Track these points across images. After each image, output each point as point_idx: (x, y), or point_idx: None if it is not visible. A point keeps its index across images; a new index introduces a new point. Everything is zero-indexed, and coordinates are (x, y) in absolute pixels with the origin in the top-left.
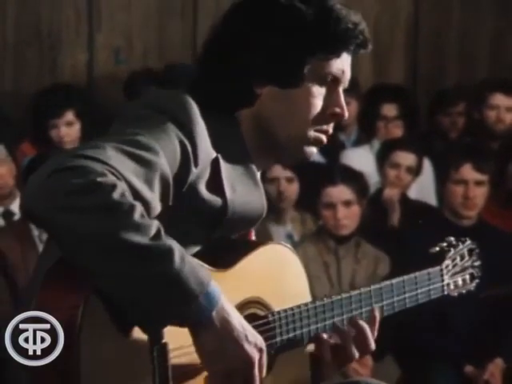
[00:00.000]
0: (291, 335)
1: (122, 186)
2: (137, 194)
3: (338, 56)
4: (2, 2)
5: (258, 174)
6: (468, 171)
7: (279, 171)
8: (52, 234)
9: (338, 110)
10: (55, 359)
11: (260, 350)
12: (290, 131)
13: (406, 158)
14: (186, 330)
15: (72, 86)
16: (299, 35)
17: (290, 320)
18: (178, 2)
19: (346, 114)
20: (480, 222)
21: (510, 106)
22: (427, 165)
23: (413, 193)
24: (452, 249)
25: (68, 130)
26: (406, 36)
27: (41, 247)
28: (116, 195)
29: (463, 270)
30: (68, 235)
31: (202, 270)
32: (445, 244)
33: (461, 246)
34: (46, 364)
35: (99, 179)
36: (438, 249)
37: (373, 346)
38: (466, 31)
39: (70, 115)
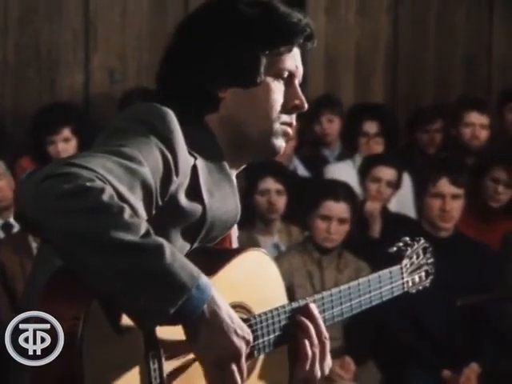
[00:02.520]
0: (272, 336)
1: (109, 190)
2: (123, 200)
3: (290, 50)
4: (3, 25)
5: (234, 178)
6: (445, 185)
7: (270, 184)
8: (44, 236)
9: (297, 102)
10: (58, 364)
11: (247, 342)
12: (258, 127)
13: (387, 173)
14: (179, 335)
15: (69, 105)
16: (249, 35)
17: (270, 322)
18: (169, 24)
19: (306, 105)
20: (456, 234)
21: (484, 124)
22: (406, 179)
23: (393, 206)
24: (409, 248)
25: (65, 145)
26: (386, 58)
27: None
28: (105, 197)
29: (419, 267)
30: (60, 237)
31: (192, 265)
32: (401, 244)
33: (416, 245)
34: (49, 370)
35: (88, 184)
36: (395, 249)
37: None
38: (442, 54)
39: (67, 132)
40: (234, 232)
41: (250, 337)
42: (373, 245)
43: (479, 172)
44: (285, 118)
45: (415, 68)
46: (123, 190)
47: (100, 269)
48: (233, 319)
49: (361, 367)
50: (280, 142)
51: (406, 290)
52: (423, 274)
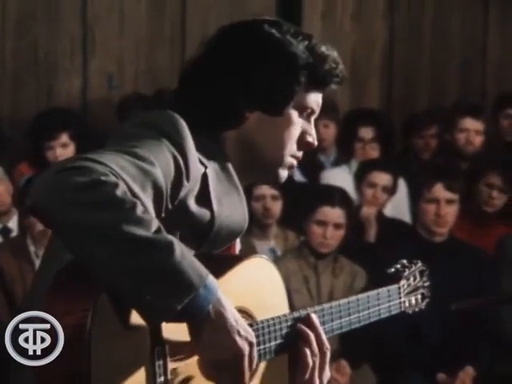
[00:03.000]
0: (273, 344)
1: (123, 185)
2: (135, 196)
3: (321, 92)
4: (0, 30)
5: (241, 188)
6: (440, 190)
7: (265, 189)
8: (56, 228)
9: (310, 139)
10: (65, 359)
11: (250, 344)
12: (270, 155)
13: (382, 178)
14: (185, 336)
15: (67, 110)
16: (292, 68)
17: (272, 329)
18: (167, 30)
19: (316, 144)
20: (451, 239)
21: (479, 130)
22: (402, 184)
23: (388, 211)
24: (406, 269)
25: (63, 151)
26: (382, 63)
27: (37, 262)
28: (119, 192)
29: (416, 289)
30: (71, 229)
31: (200, 264)
32: (399, 265)
33: (413, 268)
34: (56, 366)
35: (103, 178)
36: (393, 270)
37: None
38: (437, 59)
39: (65, 137)
40: (237, 242)
41: (253, 339)
42: (368, 249)
43: (474, 177)
44: (295, 151)
45: (411, 73)
46: (135, 187)
47: (109, 262)
48: (237, 321)
49: (356, 371)
50: (284, 174)
51: (402, 309)
52: (419, 296)
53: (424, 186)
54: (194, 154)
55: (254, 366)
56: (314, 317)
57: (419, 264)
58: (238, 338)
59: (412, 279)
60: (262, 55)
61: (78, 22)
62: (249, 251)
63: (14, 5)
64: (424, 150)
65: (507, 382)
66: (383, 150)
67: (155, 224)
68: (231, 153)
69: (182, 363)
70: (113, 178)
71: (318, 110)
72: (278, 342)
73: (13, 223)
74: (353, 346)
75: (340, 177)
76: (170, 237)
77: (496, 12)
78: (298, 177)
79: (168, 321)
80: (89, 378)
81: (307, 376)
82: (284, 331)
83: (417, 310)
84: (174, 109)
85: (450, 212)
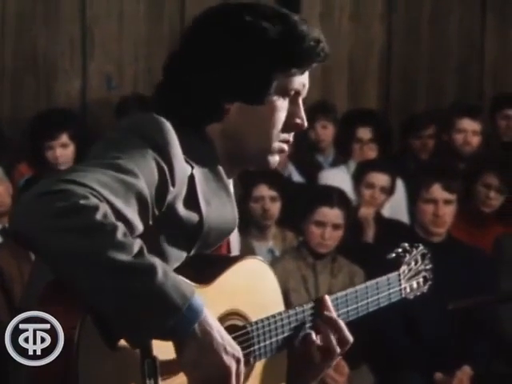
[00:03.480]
0: (268, 343)
1: (104, 208)
2: (119, 214)
3: (302, 72)
4: (0, 32)
5: (231, 186)
6: (437, 191)
7: (264, 191)
8: (40, 254)
9: (299, 121)
10: (55, 372)
11: (237, 361)
12: (257, 144)
13: (381, 179)
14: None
15: (67, 111)
16: (266, 54)
17: (267, 329)
18: (166, 31)
19: (306, 124)
20: (449, 239)
21: (476, 130)
22: (400, 185)
23: (386, 211)
24: (407, 254)
25: (63, 151)
26: (380, 64)
27: None
28: (99, 216)
29: (417, 273)
30: (52, 255)
31: (186, 284)
32: (400, 250)
33: (415, 252)
34: (46, 377)
35: (82, 202)
36: (394, 255)
37: (350, 337)
38: (435, 60)
39: (64, 138)
40: (234, 238)
41: (240, 354)
42: (366, 250)
43: (471, 177)
44: (284, 134)
45: (408, 74)
46: (119, 204)
47: (91, 288)
48: (223, 338)
49: (354, 370)
50: (275, 159)
51: (403, 296)
52: (421, 280)
53: (422, 187)
54: (179, 158)
55: (241, 380)
56: (328, 298)
57: (420, 247)
58: (224, 356)
59: (413, 263)
60: (232, 44)
61: (78, 23)
62: (247, 252)
63: (13, 6)
64: (422, 150)
65: (505, 382)
66: (381, 151)
67: (137, 246)
68: (218, 146)
69: (170, 380)
70: (93, 201)
71: (304, 91)
72: (274, 340)
73: None
74: (351, 345)
75: (338, 177)
76: (153, 258)
77: (493, 13)
78: (297, 177)
79: (154, 339)
80: None
81: (332, 362)
82: (279, 330)
83: (418, 293)
84: (159, 110)
85: (448, 212)
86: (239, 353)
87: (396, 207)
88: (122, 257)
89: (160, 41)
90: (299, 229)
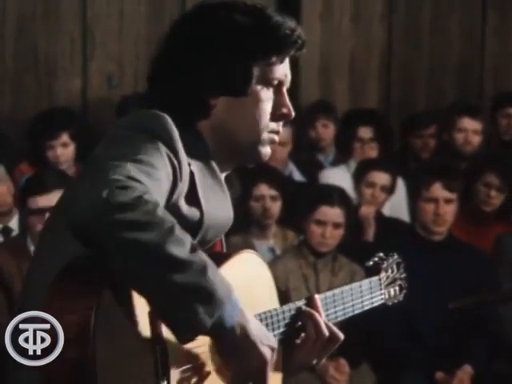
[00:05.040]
0: None
1: (161, 204)
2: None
3: (281, 61)
4: (1, 31)
5: (224, 183)
6: (438, 190)
7: (265, 190)
8: (100, 247)
9: (285, 110)
10: (70, 359)
11: (272, 349)
12: (246, 136)
13: (381, 178)
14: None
15: (67, 110)
16: (243, 45)
17: (264, 323)
18: (166, 30)
19: (293, 114)
20: (450, 238)
21: (477, 129)
22: (400, 184)
23: (387, 210)
24: (384, 262)
25: (63, 150)
26: (380, 64)
27: None
28: (160, 212)
29: (394, 281)
30: (118, 247)
31: (226, 280)
32: (376, 258)
33: (390, 260)
34: (62, 364)
35: (145, 197)
36: (371, 263)
37: (339, 334)
38: (435, 59)
39: (65, 137)
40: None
41: (275, 344)
42: (367, 248)
43: (472, 177)
44: (272, 125)
45: (409, 74)
46: (159, 200)
47: (149, 279)
48: (259, 330)
49: (355, 369)
50: (266, 150)
51: (383, 301)
52: (397, 288)
53: (422, 186)
54: (184, 155)
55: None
56: (318, 297)
57: (395, 256)
58: (261, 347)
59: (390, 271)
60: (209, 40)
61: (78, 22)
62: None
63: (13, 6)
64: (422, 149)
65: (505, 381)
66: (382, 150)
67: (191, 243)
68: (210, 142)
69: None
70: (153, 198)
71: (287, 80)
72: (272, 334)
73: (14, 223)
74: (351, 344)
75: (339, 176)
76: (204, 255)
77: (494, 12)
78: (297, 176)
79: (197, 335)
80: (94, 377)
81: (307, 350)
82: (276, 325)
83: (396, 301)
84: (152, 105)
85: (449, 211)
86: (274, 342)
87: (397, 206)
88: (180, 251)
89: (160, 40)
90: (300, 228)
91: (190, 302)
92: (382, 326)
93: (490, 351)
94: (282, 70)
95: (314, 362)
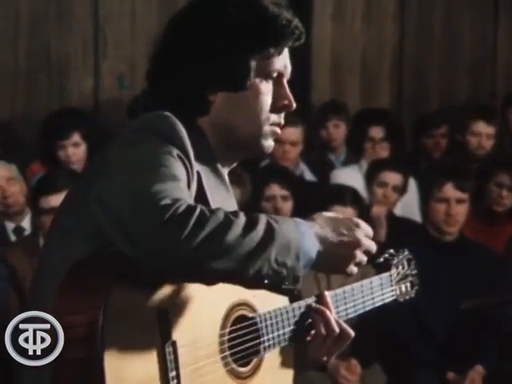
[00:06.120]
0: (275, 334)
1: (205, 211)
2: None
3: (280, 52)
4: (14, 31)
5: (226, 177)
6: (450, 190)
7: (276, 190)
8: (196, 276)
9: (286, 102)
10: (79, 359)
11: (356, 225)
12: (248, 130)
13: (393, 178)
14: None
15: (79, 110)
16: (239, 39)
17: (274, 321)
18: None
19: (294, 105)
20: (461, 238)
21: (491, 134)
22: (412, 184)
23: (398, 210)
24: (395, 258)
25: (75, 150)
26: (392, 63)
27: None
28: (221, 215)
29: (405, 277)
30: (213, 263)
31: (288, 219)
32: (387, 255)
33: (401, 256)
34: (70, 362)
35: (197, 212)
36: (382, 259)
37: (349, 331)
38: (447, 59)
39: (76, 137)
40: None
41: (358, 223)
42: (378, 249)
43: (483, 177)
44: (274, 118)
45: (420, 73)
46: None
47: (254, 266)
48: (335, 225)
49: (367, 369)
50: (269, 143)
51: (395, 297)
52: (409, 284)
53: (434, 186)
54: (192, 156)
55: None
56: (328, 294)
57: (406, 252)
58: (345, 239)
59: (400, 267)
60: (205, 36)
61: (90, 22)
62: None
63: (26, 6)
64: (434, 149)
65: None
66: (393, 150)
67: (244, 214)
68: (212, 138)
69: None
70: (206, 210)
71: (287, 71)
72: (282, 332)
73: (26, 222)
74: (363, 344)
75: (350, 176)
76: (264, 217)
77: (506, 12)
78: (309, 176)
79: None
80: (103, 377)
81: (317, 346)
82: (286, 322)
83: (407, 298)
84: (154, 103)
85: (460, 211)
86: (357, 223)
87: (408, 206)
88: (257, 231)
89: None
90: None
91: (284, 259)
92: (393, 326)
93: (501, 351)
94: (281, 62)
95: (325, 358)
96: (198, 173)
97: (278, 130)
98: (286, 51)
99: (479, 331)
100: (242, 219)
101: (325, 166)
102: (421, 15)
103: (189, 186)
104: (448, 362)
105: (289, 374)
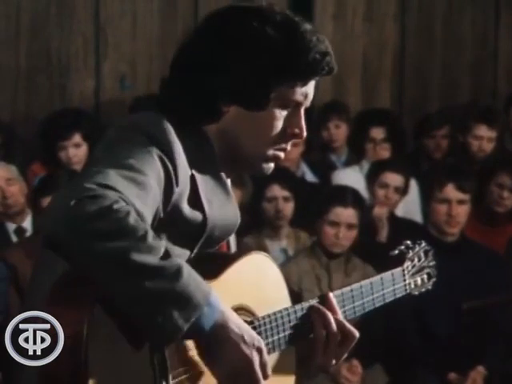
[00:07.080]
0: (276, 338)
1: (133, 212)
2: (141, 217)
3: (304, 85)
4: (15, 32)
5: (229, 184)
6: (451, 191)
7: (277, 191)
8: (72, 258)
9: (297, 130)
10: (64, 369)
11: (258, 349)
12: (252, 150)
13: (394, 179)
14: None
15: (80, 111)
16: (268, 62)
17: (274, 324)
18: (179, 30)
19: (305, 135)
20: (463, 238)
21: (492, 137)
22: (413, 185)
23: (400, 211)
24: (410, 251)
25: (76, 151)
26: (393, 64)
27: None
28: (132, 220)
29: (421, 269)
30: (89, 257)
31: (204, 282)
32: (403, 247)
33: (417, 248)
34: (56, 376)
35: (115, 206)
36: (397, 252)
37: (354, 331)
38: (448, 60)
39: (77, 137)
40: (231, 237)
41: (260, 343)
42: (380, 249)
43: (484, 177)
44: (280, 144)
45: (422, 74)
46: (138, 205)
47: (122, 288)
48: (241, 329)
49: (368, 370)
50: (269, 166)
51: (408, 291)
52: (425, 276)
53: (435, 187)
54: (181, 158)
55: (269, 369)
56: (332, 296)
57: (423, 244)
58: (243, 346)
59: (416, 260)
60: (236, 49)
61: (91, 23)
62: (260, 251)
63: (27, 6)
64: (435, 150)
65: None
66: (394, 151)
67: (164, 249)
68: (215, 146)
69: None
70: (124, 205)
71: (306, 101)
72: (282, 335)
73: (27, 223)
74: (364, 345)
75: (351, 177)
76: (178, 260)
77: (507, 11)
78: (310, 177)
79: (176, 339)
80: None
81: (322, 352)
82: (287, 325)
83: (423, 290)
84: (161, 106)
85: (462, 212)
86: (259, 341)
87: (410, 207)
88: (153, 259)
89: (173, 40)
90: (312, 228)
91: (164, 307)
92: (394, 326)
93: (503, 352)
94: (304, 91)
95: (333, 362)
96: (193, 176)
97: (281, 154)
98: (311, 82)
99: (480, 331)
100: (162, 243)
101: (326, 166)
102: (422, 15)
103: (170, 187)
104: (449, 362)
105: (290, 377)
